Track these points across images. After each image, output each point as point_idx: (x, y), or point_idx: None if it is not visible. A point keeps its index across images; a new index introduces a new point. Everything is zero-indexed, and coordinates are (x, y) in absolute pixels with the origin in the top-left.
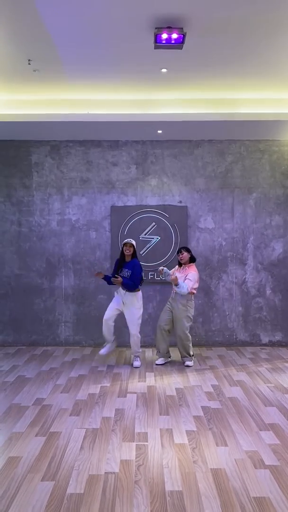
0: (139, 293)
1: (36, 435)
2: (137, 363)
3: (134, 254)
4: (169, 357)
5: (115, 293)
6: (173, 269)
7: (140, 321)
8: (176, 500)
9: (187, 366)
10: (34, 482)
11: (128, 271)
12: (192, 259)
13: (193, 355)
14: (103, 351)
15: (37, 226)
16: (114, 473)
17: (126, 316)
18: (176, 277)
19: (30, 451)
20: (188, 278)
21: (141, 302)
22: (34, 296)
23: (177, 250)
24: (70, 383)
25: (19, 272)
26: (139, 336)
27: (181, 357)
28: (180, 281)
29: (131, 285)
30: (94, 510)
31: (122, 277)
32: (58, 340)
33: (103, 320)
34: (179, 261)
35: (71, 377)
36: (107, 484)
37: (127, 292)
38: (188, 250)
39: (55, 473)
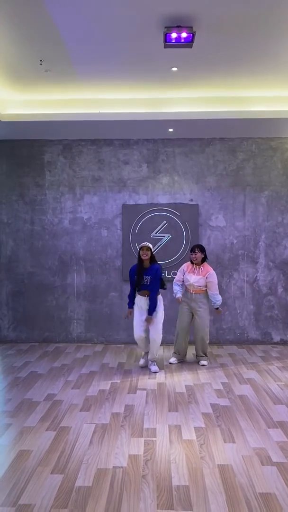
0: (160, 296)
1: (46, 430)
2: (155, 367)
3: (152, 258)
4: (185, 356)
5: (135, 306)
6: (183, 266)
7: (161, 325)
8: (182, 495)
9: (203, 365)
10: (44, 475)
11: (149, 278)
12: (204, 259)
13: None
14: (142, 362)
15: (49, 225)
16: (122, 467)
17: (154, 320)
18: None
19: (40, 445)
20: (210, 281)
21: (162, 306)
22: (46, 293)
23: (191, 247)
24: (81, 379)
25: (32, 270)
26: (160, 341)
27: (197, 355)
28: (214, 298)
29: (155, 303)
30: (102, 502)
31: (146, 285)
32: (70, 337)
33: (136, 338)
34: (191, 260)
35: (82, 374)
36: (115, 478)
37: (147, 297)
38: (202, 250)
39: (64, 467)
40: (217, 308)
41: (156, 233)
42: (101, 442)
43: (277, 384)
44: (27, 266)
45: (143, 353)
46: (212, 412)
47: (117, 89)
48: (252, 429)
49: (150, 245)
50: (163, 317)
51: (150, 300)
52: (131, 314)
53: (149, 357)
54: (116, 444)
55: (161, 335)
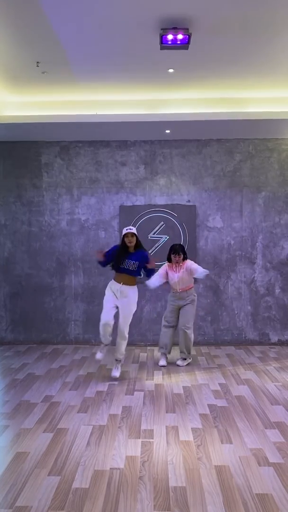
0: (136, 288)
1: (44, 431)
2: (117, 372)
3: (138, 244)
4: (169, 353)
5: (109, 289)
6: (165, 268)
7: (131, 318)
8: (179, 496)
9: (178, 365)
10: (41, 476)
11: (135, 263)
12: (184, 258)
13: (188, 357)
14: (100, 355)
15: (47, 226)
16: (119, 468)
17: (122, 311)
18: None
19: (37, 447)
20: (194, 268)
21: (136, 298)
22: (44, 295)
23: (174, 248)
24: (78, 381)
25: (30, 271)
26: (127, 336)
27: (180, 352)
28: (202, 273)
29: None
30: (99, 504)
31: (129, 270)
32: (68, 339)
33: (103, 323)
34: (172, 259)
35: (80, 375)
36: (112, 479)
37: (124, 285)
38: (184, 251)
39: (61, 468)
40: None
41: (154, 234)
42: (99, 443)
43: (275, 385)
44: (25, 268)
45: (102, 345)
46: (209, 413)
47: (114, 90)
48: (250, 430)
49: (135, 231)
50: (135, 309)
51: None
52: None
53: (116, 355)
54: (113, 445)
55: (128, 329)
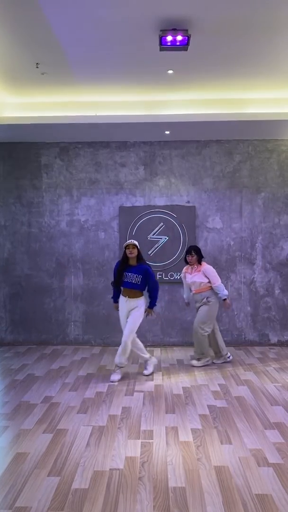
0: (143, 299)
1: (43, 432)
2: (117, 376)
3: (139, 257)
4: (221, 356)
5: (119, 305)
6: (182, 273)
7: (136, 326)
8: (179, 497)
9: (192, 366)
10: (41, 477)
11: (138, 276)
12: (199, 260)
13: (202, 357)
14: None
15: (46, 227)
16: (118, 469)
17: (128, 319)
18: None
19: (37, 447)
20: (209, 275)
21: (143, 308)
22: (44, 295)
23: (187, 249)
24: (78, 382)
25: (30, 272)
26: (129, 343)
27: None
28: (217, 290)
29: (156, 296)
30: (98, 505)
31: (132, 284)
32: (68, 339)
33: (127, 342)
34: (187, 260)
35: (80, 376)
36: (111, 480)
37: (129, 298)
38: (197, 252)
39: (61, 469)
40: (225, 300)
41: (153, 235)
42: (98, 444)
43: (274, 385)
44: (24, 269)
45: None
46: (209, 414)
47: (114, 91)
48: (249, 430)
49: (136, 242)
50: (141, 317)
51: (152, 298)
52: (117, 308)
53: (118, 361)
54: (113, 446)
55: (131, 337)
